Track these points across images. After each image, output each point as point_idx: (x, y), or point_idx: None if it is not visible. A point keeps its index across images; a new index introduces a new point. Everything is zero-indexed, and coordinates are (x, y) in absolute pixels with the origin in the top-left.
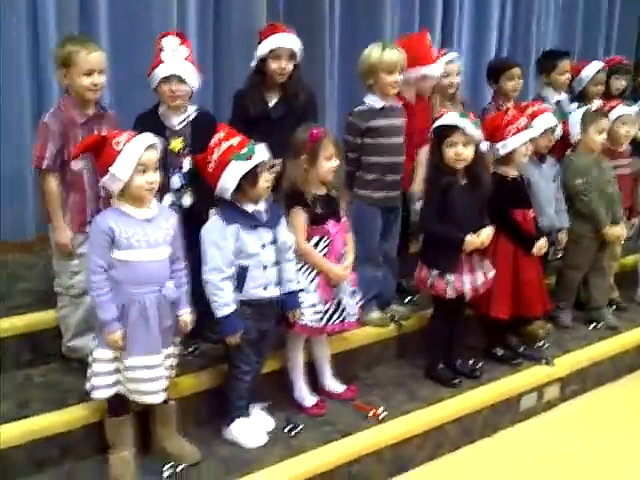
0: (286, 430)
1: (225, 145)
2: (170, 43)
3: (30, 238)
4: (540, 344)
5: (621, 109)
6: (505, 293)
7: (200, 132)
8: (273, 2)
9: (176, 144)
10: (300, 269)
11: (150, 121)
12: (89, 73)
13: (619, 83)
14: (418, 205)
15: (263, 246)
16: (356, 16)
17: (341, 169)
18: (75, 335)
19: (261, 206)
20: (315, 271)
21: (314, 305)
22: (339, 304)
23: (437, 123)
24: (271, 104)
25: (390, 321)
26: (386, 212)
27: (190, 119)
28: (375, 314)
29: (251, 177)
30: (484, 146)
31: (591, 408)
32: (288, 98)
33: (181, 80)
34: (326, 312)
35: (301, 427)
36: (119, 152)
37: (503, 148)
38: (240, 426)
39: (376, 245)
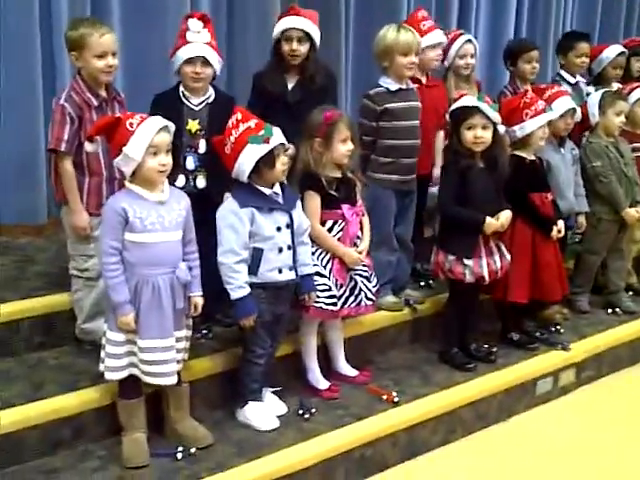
0: (299, 413)
1: (242, 127)
2: (195, 25)
3: (42, 222)
4: (556, 329)
5: None
6: (524, 277)
7: (217, 114)
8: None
9: (193, 125)
10: (314, 252)
11: (169, 101)
12: (102, 55)
13: (638, 65)
14: (436, 189)
15: (279, 229)
16: (371, 10)
17: (356, 153)
18: (89, 318)
19: (277, 189)
20: (329, 254)
21: (329, 289)
22: (354, 288)
23: (455, 105)
24: (289, 87)
25: (405, 305)
26: (401, 196)
27: (209, 101)
28: (390, 298)
29: (268, 160)
30: (501, 129)
31: (607, 393)
32: (305, 81)
33: (205, 62)
34: (341, 296)
35: (314, 410)
36: (132, 133)
37: (520, 131)
38: (253, 409)
39: (391, 229)
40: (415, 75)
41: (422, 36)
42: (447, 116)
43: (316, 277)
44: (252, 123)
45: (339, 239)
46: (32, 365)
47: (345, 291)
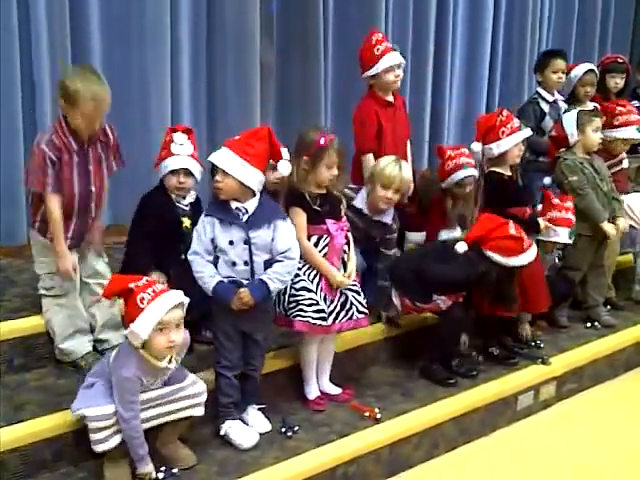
0: (282, 431)
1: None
2: (179, 137)
3: (22, 242)
4: (536, 343)
5: (632, 133)
6: None
7: (198, 215)
8: (266, 11)
9: (187, 222)
10: (301, 268)
11: (162, 201)
12: (91, 116)
13: (614, 81)
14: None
15: (231, 243)
16: (350, 24)
17: (342, 178)
18: (64, 338)
19: (249, 205)
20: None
21: (316, 303)
22: (345, 302)
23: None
24: None
25: (385, 322)
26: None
27: (192, 201)
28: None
29: (213, 175)
30: (476, 146)
31: (588, 407)
32: None
33: (187, 173)
34: (332, 312)
35: (297, 428)
36: (142, 310)
37: (497, 148)
38: (231, 427)
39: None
40: (384, 97)
41: (377, 60)
42: None
43: (302, 292)
44: (237, 137)
45: (325, 254)
46: (13, 387)
47: (336, 306)
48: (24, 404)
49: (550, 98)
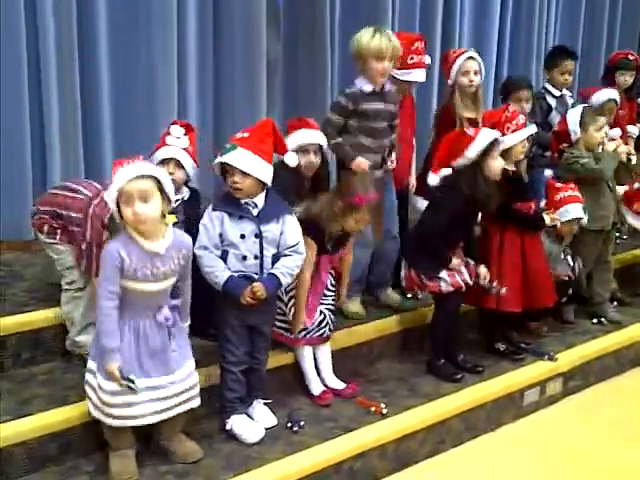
0: (288, 426)
1: (240, 135)
2: (176, 131)
3: (28, 237)
4: (541, 339)
5: None
6: (516, 287)
7: (190, 212)
8: (273, 2)
9: (171, 218)
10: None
11: None
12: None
13: (623, 78)
14: (421, 203)
15: (242, 237)
16: (356, 15)
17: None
18: (80, 330)
19: (258, 200)
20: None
21: (284, 314)
22: (322, 321)
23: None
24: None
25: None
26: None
27: (184, 198)
28: (354, 306)
29: (223, 171)
30: None
31: (594, 403)
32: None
33: (178, 165)
34: (305, 327)
35: (303, 423)
36: (112, 182)
37: (501, 144)
38: (237, 421)
39: None
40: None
41: (405, 68)
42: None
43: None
44: (246, 134)
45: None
46: (20, 381)
47: (312, 324)
48: (31, 398)
49: (557, 93)
